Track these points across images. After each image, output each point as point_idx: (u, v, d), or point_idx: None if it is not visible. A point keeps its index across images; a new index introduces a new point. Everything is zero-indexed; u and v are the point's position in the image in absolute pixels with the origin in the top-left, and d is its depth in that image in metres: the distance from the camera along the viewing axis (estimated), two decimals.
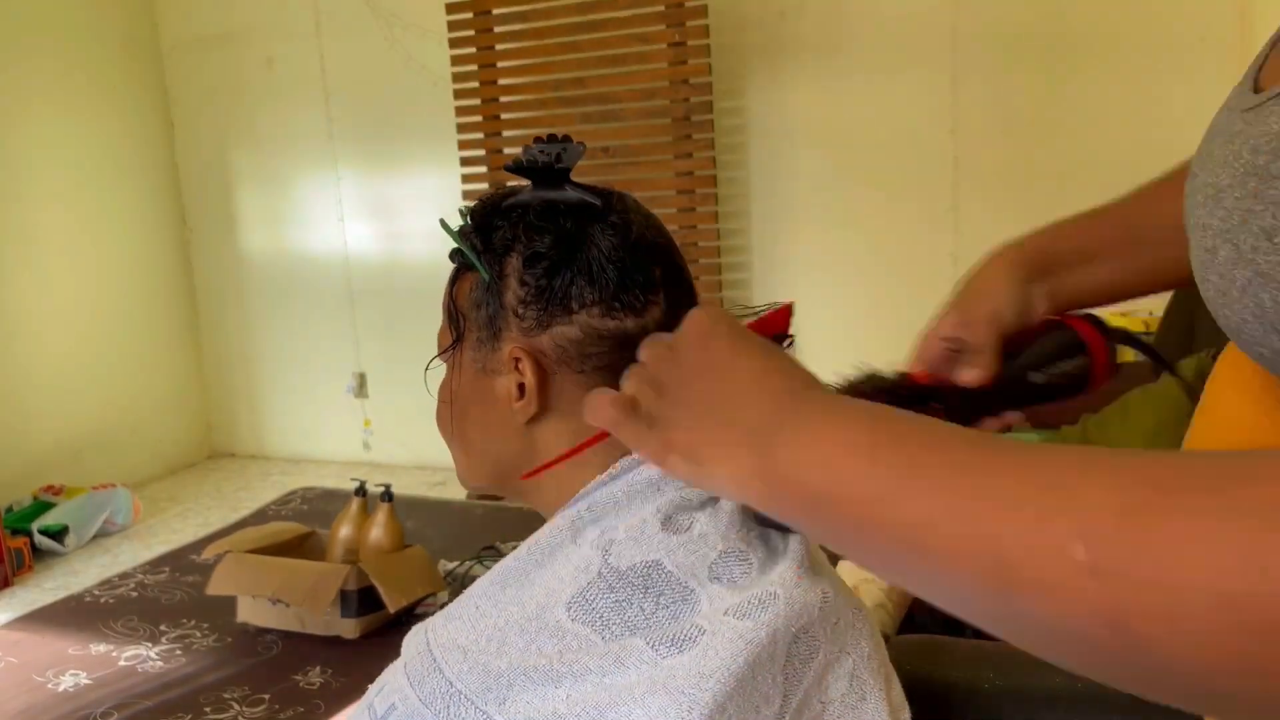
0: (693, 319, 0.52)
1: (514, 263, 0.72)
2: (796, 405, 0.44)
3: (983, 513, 0.35)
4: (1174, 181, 0.68)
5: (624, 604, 0.63)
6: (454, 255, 0.76)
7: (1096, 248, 0.72)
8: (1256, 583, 0.28)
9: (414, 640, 0.69)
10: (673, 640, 0.62)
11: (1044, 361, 0.70)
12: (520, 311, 0.72)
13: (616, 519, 0.68)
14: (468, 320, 0.75)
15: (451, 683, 0.64)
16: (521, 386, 0.72)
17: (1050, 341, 0.70)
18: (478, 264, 0.73)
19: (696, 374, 0.49)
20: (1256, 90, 0.50)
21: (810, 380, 0.47)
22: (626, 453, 0.71)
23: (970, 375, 0.69)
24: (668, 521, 0.67)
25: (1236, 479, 0.30)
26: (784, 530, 0.68)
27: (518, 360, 0.72)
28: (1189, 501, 0.30)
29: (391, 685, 0.67)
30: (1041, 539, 0.32)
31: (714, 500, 0.68)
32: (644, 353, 0.53)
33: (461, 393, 0.77)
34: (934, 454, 0.38)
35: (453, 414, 0.78)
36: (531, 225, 0.72)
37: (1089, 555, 0.31)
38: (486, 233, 0.74)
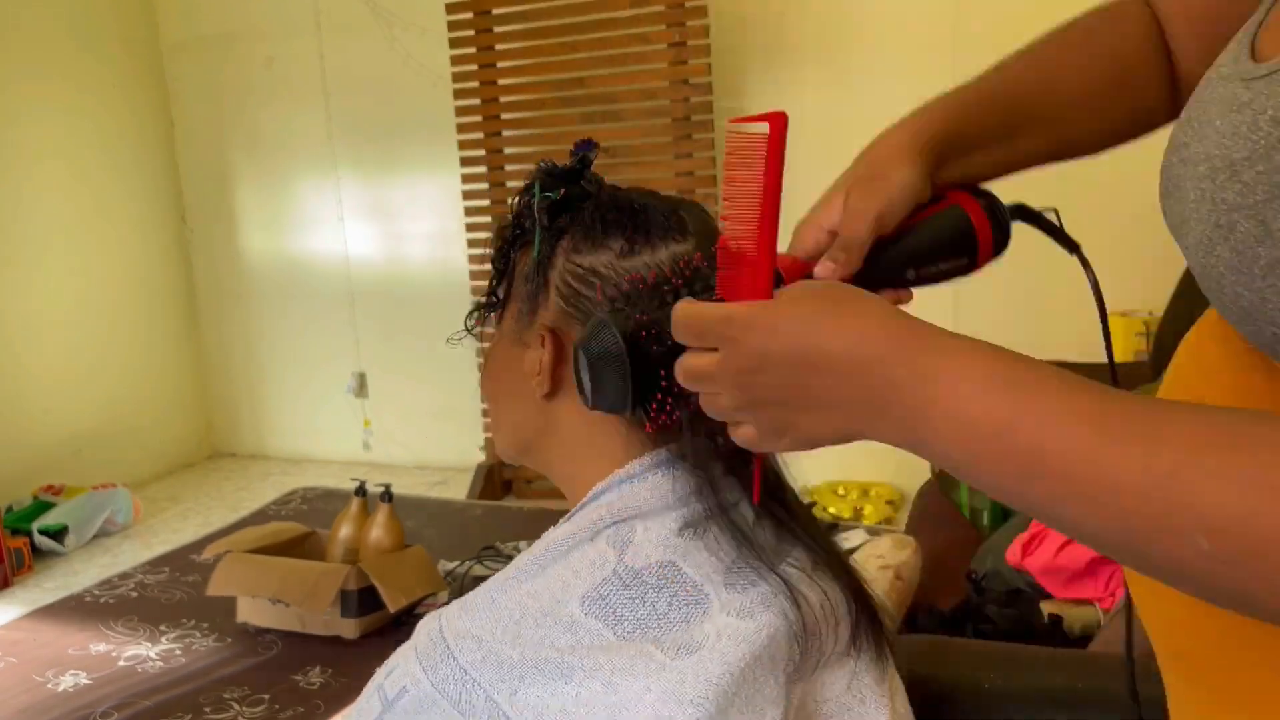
0: (742, 339, 0.50)
1: (565, 245, 0.73)
2: (915, 367, 0.46)
3: (1113, 491, 0.39)
4: (1037, 55, 0.69)
5: (637, 601, 0.64)
6: (509, 228, 0.76)
7: (983, 136, 0.68)
8: None
9: (427, 626, 0.68)
10: (682, 644, 0.62)
11: (926, 250, 0.64)
12: (561, 290, 0.73)
13: (636, 521, 0.68)
14: (515, 290, 0.76)
15: (465, 670, 0.64)
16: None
17: (934, 227, 0.64)
18: (535, 239, 0.74)
19: (786, 386, 0.49)
20: (1255, 57, 0.47)
21: (901, 332, 0.47)
22: (644, 450, 0.71)
23: (825, 270, 0.61)
24: (685, 527, 0.67)
25: None
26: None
27: (544, 337, 0.73)
28: None
29: (402, 669, 0.67)
30: (1170, 525, 0.37)
31: (733, 508, 0.68)
32: (713, 384, 0.52)
33: (498, 358, 0.79)
34: (1069, 416, 0.41)
35: (488, 376, 0.80)
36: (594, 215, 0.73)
37: (1212, 546, 0.36)
38: (554, 211, 0.74)
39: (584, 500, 0.71)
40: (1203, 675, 0.52)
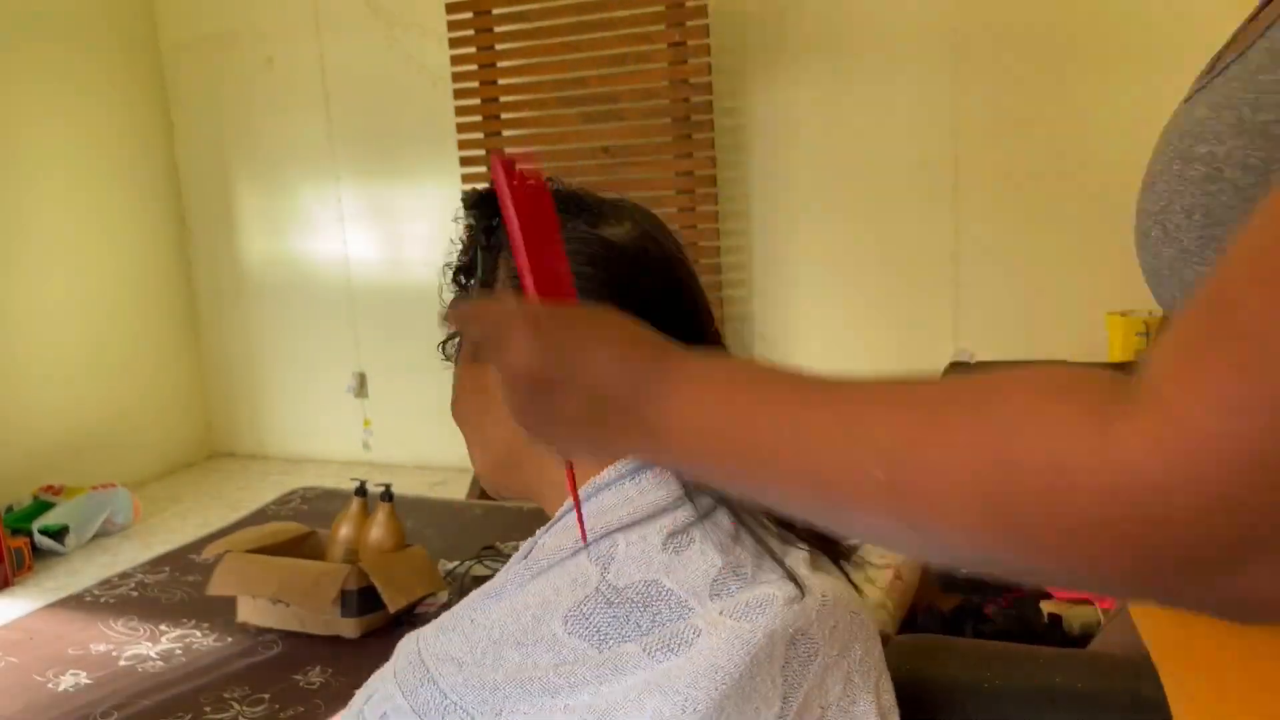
0: (516, 347, 0.53)
1: (505, 256, 0.74)
2: (653, 384, 0.51)
3: (808, 447, 0.43)
4: None
5: (621, 620, 0.63)
6: (456, 264, 0.78)
7: None
8: (1002, 479, 0.36)
9: (405, 649, 0.68)
10: (667, 643, 0.62)
11: None
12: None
13: (617, 535, 0.67)
14: None
15: (445, 694, 0.63)
16: None
17: None
18: (476, 259, 0.75)
19: (556, 388, 0.52)
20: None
21: (654, 350, 0.52)
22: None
23: None
24: (668, 540, 0.67)
25: (986, 398, 0.38)
26: None
27: None
28: (954, 421, 0.39)
29: (382, 693, 0.67)
30: (851, 466, 0.41)
31: (710, 515, 0.68)
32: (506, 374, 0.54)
33: (461, 382, 0.80)
34: (773, 401, 0.46)
35: (456, 403, 0.81)
36: None
37: (886, 475, 0.40)
38: (489, 232, 0.75)
39: (562, 510, 0.71)
40: (1195, 668, 0.52)
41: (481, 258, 0.75)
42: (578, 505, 0.66)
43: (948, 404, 0.40)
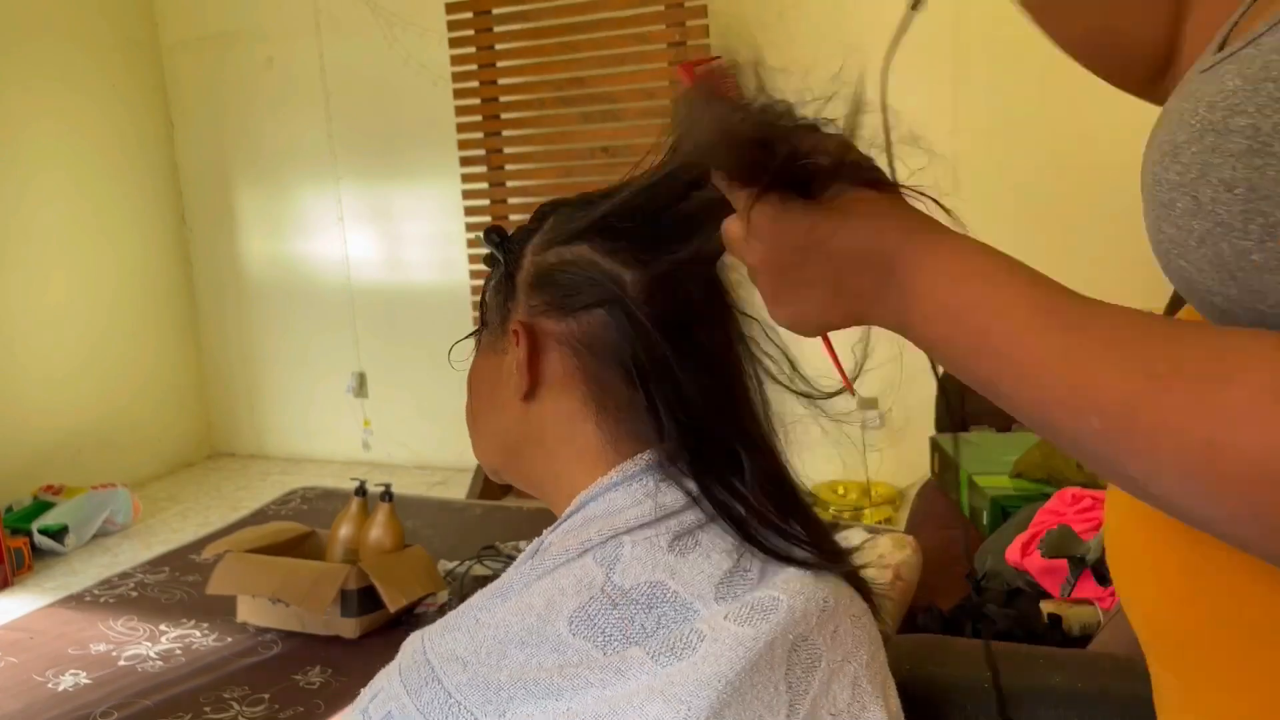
0: (760, 235, 0.57)
1: (531, 249, 0.75)
2: (908, 248, 0.54)
3: (1036, 369, 0.46)
4: None
5: (626, 621, 0.63)
6: (488, 260, 0.78)
7: None
8: (1207, 461, 0.39)
9: (410, 648, 0.68)
10: (672, 648, 0.61)
11: None
12: (530, 282, 0.74)
13: (624, 536, 0.67)
14: (489, 308, 0.79)
15: (450, 693, 0.63)
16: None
17: None
18: (496, 252, 0.76)
19: (810, 255, 0.57)
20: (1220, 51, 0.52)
21: (908, 217, 0.57)
22: (625, 454, 0.71)
23: None
24: (674, 542, 0.66)
25: (1212, 383, 0.40)
26: None
27: (516, 333, 0.73)
28: (1175, 396, 0.41)
29: (387, 692, 0.67)
30: (1073, 407, 0.44)
31: (718, 518, 0.68)
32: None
33: (477, 373, 0.80)
34: (1017, 306, 0.48)
35: (470, 395, 0.81)
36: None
37: (1103, 427, 0.43)
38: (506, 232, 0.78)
39: (570, 509, 0.71)
40: (1181, 659, 0.53)
41: (504, 257, 0.77)
42: (839, 367, 0.67)
43: (1174, 374, 0.42)
